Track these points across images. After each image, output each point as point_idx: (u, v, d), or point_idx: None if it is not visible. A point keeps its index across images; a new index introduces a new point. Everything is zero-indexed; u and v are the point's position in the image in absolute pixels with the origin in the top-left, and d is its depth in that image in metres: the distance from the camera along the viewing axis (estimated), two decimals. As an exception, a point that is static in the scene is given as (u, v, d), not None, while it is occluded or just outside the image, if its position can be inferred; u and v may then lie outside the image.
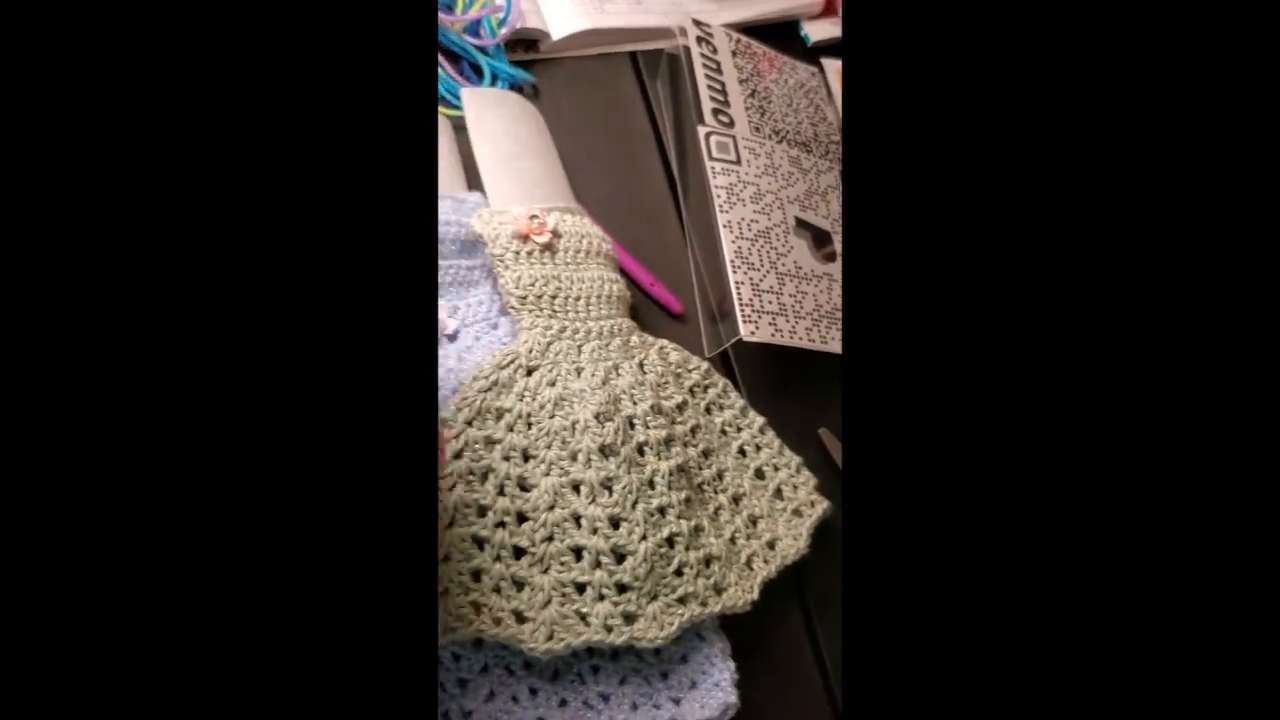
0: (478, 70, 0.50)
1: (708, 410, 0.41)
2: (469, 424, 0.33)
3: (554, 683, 0.33)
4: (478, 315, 0.40)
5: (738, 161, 0.47)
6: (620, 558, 0.33)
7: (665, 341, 0.42)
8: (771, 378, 0.46)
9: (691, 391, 0.41)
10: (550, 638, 0.31)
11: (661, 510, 0.34)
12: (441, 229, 0.40)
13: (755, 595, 0.36)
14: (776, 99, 0.53)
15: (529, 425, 0.34)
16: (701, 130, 0.47)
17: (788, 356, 0.45)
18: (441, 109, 0.47)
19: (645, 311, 0.46)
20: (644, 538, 0.33)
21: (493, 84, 0.50)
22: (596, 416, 0.35)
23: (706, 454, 0.39)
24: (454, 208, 0.41)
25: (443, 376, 0.36)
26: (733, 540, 0.37)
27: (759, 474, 0.40)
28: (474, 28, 0.50)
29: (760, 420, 0.42)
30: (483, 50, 0.50)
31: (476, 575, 0.32)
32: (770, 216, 0.46)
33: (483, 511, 0.32)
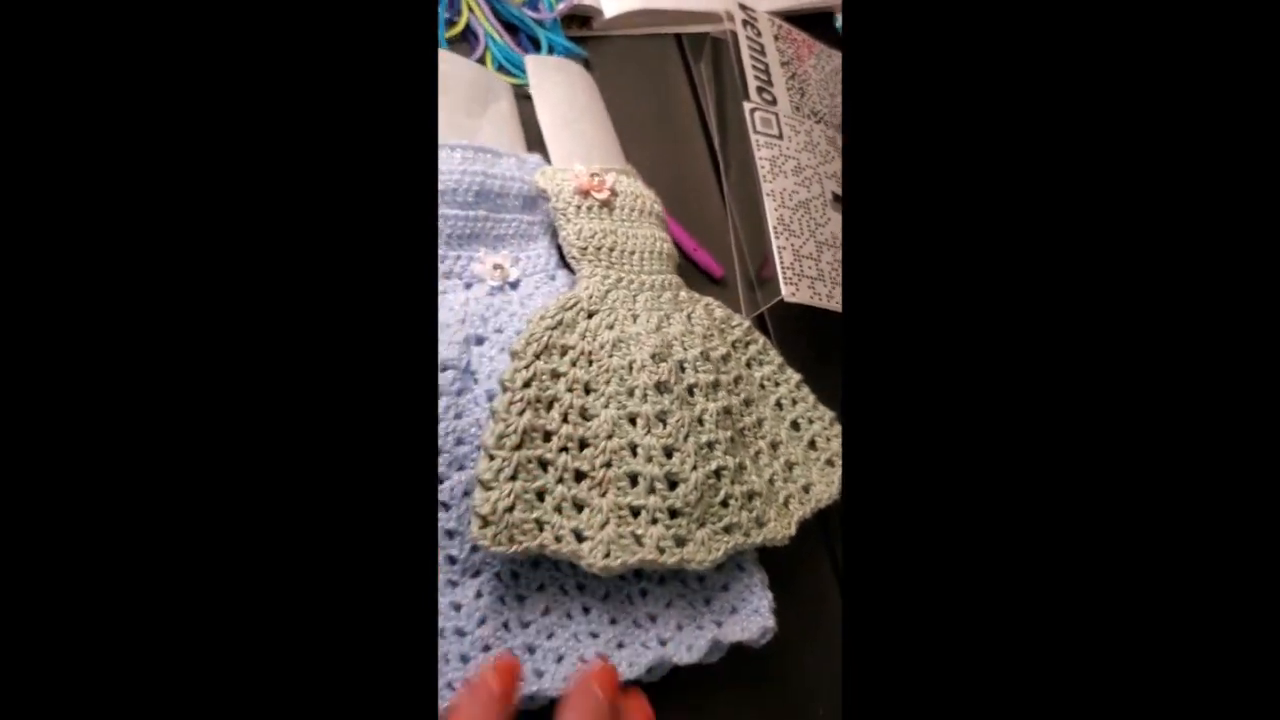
0: (535, 43, 0.53)
1: (748, 364, 0.43)
2: (537, 357, 0.36)
3: (605, 602, 0.36)
4: (537, 266, 0.42)
5: (780, 136, 0.50)
6: (673, 484, 0.35)
7: (710, 299, 0.44)
8: (805, 343, 0.49)
9: (734, 346, 0.43)
10: (607, 555, 0.34)
11: (710, 445, 0.37)
12: (504, 184, 0.43)
13: (793, 531, 0.38)
14: (814, 82, 0.56)
15: (590, 362, 0.37)
16: (747, 106, 0.50)
17: (820, 325, 0.47)
18: (502, 76, 0.50)
19: (687, 275, 0.49)
20: (695, 467, 0.36)
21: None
22: (652, 357, 0.37)
23: (748, 403, 0.41)
24: (517, 166, 0.44)
25: (505, 320, 0.39)
26: (771, 481, 0.40)
27: (795, 425, 0.43)
28: (533, 2, 0.52)
29: (797, 377, 0.44)
30: (540, 23, 0.52)
31: (540, 495, 0.34)
32: (809, 189, 0.49)
33: (548, 436, 0.35)
